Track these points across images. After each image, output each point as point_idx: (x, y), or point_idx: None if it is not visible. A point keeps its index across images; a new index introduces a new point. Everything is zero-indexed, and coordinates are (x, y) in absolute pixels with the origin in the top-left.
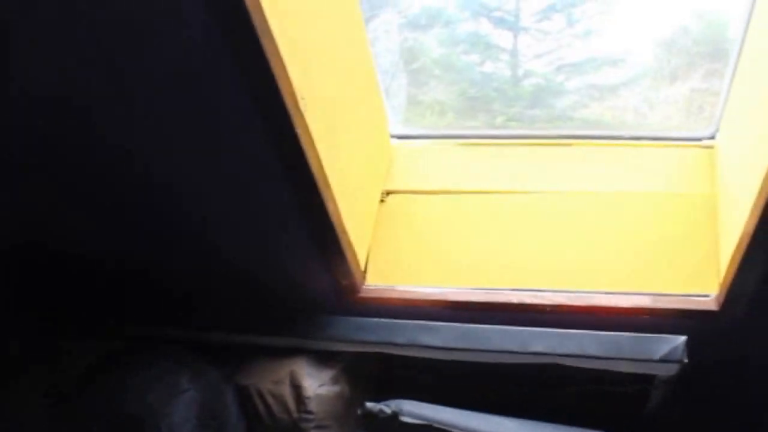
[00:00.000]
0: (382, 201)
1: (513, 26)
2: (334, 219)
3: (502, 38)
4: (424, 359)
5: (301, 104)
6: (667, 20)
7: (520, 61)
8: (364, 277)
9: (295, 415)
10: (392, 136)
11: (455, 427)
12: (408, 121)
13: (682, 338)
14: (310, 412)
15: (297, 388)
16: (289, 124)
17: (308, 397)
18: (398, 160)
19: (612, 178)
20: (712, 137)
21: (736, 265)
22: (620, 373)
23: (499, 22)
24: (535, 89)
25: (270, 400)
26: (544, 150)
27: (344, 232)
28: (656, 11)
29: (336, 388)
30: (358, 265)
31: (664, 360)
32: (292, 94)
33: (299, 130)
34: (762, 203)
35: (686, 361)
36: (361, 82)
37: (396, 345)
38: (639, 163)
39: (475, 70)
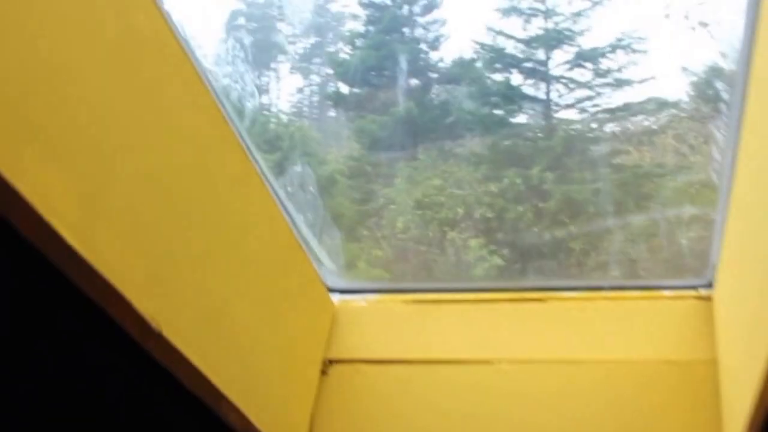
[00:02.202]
0: (324, 372)
1: (544, 76)
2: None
3: (534, 89)
4: None
5: (154, 325)
6: (698, 61)
7: (552, 110)
8: None
9: None
10: (332, 291)
11: None
12: (446, 173)
13: None
14: None
15: None
16: (142, 356)
17: None
18: (342, 321)
19: (594, 342)
20: (709, 285)
21: None
22: None
23: (530, 73)
24: (570, 138)
25: None
26: (513, 307)
27: None
28: (686, 53)
29: None
30: None
31: None
32: (138, 321)
33: (157, 355)
34: None
35: None
36: (267, 251)
37: None
38: (625, 321)
39: (508, 121)
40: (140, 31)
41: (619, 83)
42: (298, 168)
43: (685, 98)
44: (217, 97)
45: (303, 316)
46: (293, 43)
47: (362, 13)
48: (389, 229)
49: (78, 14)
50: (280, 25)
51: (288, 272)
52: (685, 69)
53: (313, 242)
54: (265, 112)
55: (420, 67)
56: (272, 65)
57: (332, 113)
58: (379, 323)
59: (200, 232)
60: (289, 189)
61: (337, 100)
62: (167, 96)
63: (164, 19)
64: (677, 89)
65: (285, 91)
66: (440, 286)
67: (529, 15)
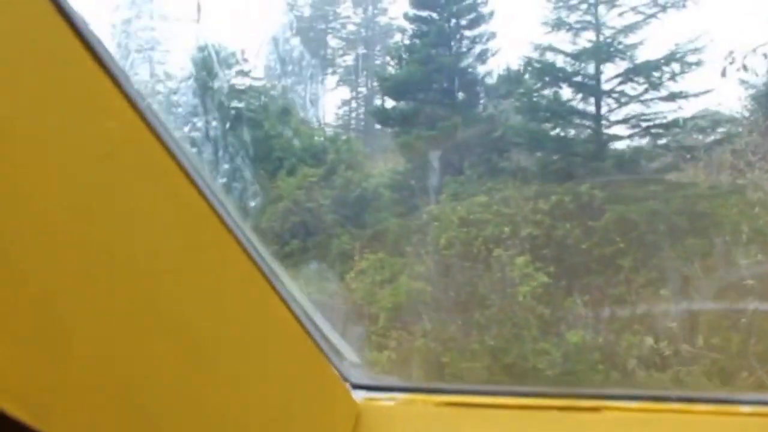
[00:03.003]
0: None
1: (594, 91)
2: None
3: (584, 103)
4: None
5: None
6: (756, 73)
7: (603, 125)
8: None
9: None
10: (356, 387)
11: None
12: (492, 190)
13: None
14: None
15: None
16: None
17: None
18: (366, 423)
19: None
20: None
21: None
22: None
23: (580, 87)
24: (621, 153)
25: None
26: (563, 417)
27: None
28: (742, 65)
29: None
30: None
31: None
32: None
33: None
34: None
35: None
36: (269, 352)
37: None
38: None
39: (557, 136)
40: (111, 141)
41: (673, 97)
42: (314, 265)
43: (745, 112)
44: (212, 195)
45: (320, 418)
46: (341, 55)
47: (409, 26)
48: (433, 245)
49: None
50: (327, 38)
51: (299, 370)
52: (743, 81)
53: (332, 335)
54: (312, 125)
55: (467, 82)
56: (319, 78)
57: (378, 126)
58: (408, 427)
59: (174, 348)
60: (307, 289)
61: (383, 114)
62: (145, 210)
63: (145, 123)
64: (735, 103)
65: (331, 104)
66: (479, 388)
67: (578, 29)
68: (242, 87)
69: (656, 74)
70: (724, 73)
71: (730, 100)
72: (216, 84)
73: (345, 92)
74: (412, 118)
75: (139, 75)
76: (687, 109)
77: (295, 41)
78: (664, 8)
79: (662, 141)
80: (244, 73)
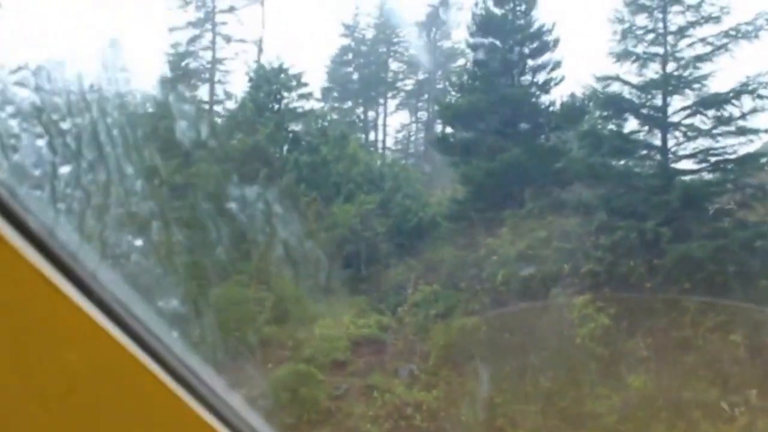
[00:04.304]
0: None
1: (661, 123)
2: None
3: (650, 136)
4: None
5: None
6: None
7: (669, 159)
8: None
9: None
10: None
11: None
12: (552, 224)
13: None
14: None
15: None
16: None
17: None
18: None
19: None
20: None
21: None
22: None
23: (646, 119)
24: (688, 189)
25: None
26: None
27: None
28: None
29: None
30: None
31: None
32: None
33: None
34: None
35: None
36: None
37: None
38: None
39: (621, 169)
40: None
41: (744, 132)
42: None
43: None
44: (212, 395)
45: None
46: (401, 79)
47: (471, 54)
48: (489, 280)
49: None
50: (388, 62)
51: None
52: None
53: None
54: (370, 150)
55: (529, 111)
56: (380, 100)
57: (437, 154)
58: None
59: None
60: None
61: (443, 141)
62: None
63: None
64: None
65: (391, 128)
66: None
67: (645, 59)
68: (301, 110)
69: (726, 107)
70: None
71: None
72: (275, 106)
73: (405, 116)
74: (472, 147)
75: (198, 95)
76: (758, 143)
77: (355, 64)
78: (735, 39)
79: (731, 177)
80: (303, 96)
